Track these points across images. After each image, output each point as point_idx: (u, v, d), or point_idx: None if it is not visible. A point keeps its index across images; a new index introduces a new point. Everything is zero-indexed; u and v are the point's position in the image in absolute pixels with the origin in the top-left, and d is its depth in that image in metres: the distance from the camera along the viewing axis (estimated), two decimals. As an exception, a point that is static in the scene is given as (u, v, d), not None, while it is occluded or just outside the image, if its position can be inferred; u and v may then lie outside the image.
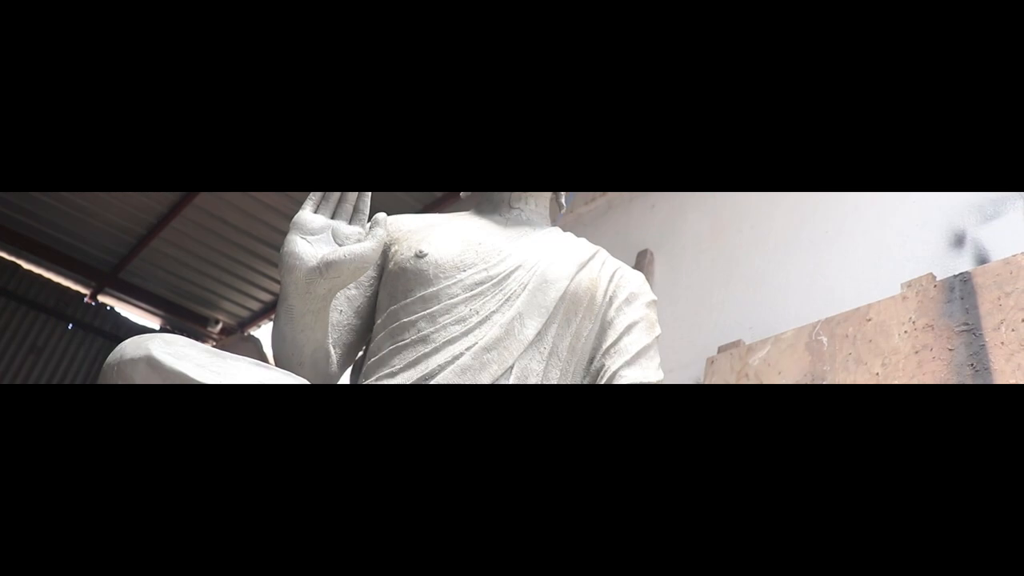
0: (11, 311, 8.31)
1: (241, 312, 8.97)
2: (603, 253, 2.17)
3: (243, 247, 7.82)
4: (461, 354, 1.82)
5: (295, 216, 1.75)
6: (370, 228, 1.75)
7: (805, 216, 3.87)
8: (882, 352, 3.02)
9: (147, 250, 7.98)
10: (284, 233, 7.51)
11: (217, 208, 7.31)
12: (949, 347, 2.83)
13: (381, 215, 1.76)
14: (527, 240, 2.08)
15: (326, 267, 1.66)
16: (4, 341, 8.21)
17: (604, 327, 2.02)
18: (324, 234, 1.72)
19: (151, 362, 1.37)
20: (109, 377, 1.40)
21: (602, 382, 1.94)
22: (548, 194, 2.24)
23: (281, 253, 1.71)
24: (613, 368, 1.93)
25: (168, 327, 9.26)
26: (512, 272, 1.96)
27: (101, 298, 8.85)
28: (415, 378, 1.79)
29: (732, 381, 3.50)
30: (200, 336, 9.39)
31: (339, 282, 1.70)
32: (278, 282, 8.30)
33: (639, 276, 2.18)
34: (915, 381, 2.84)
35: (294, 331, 1.75)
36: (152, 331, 9.13)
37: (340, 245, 1.73)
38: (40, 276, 8.52)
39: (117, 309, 8.99)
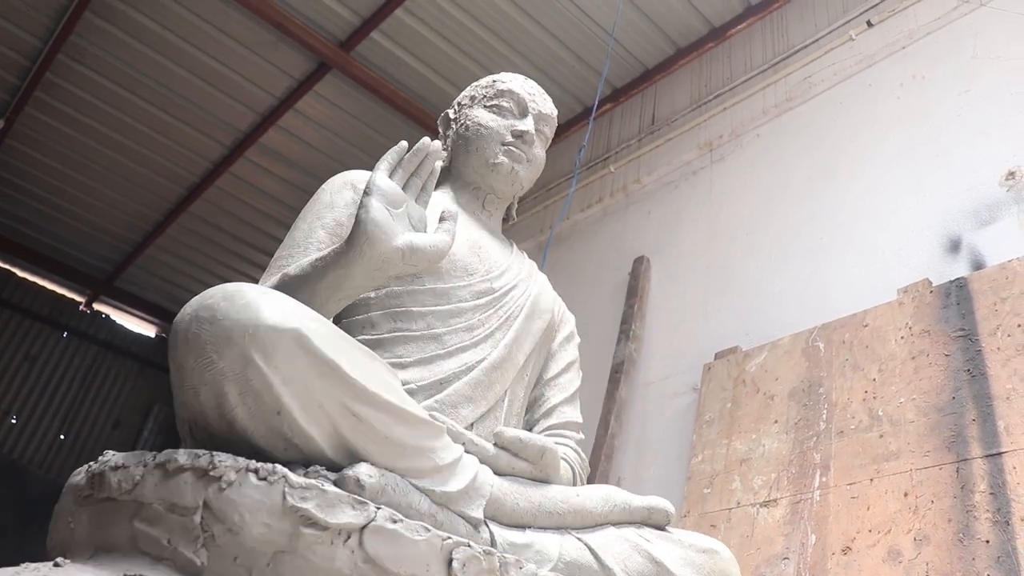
0: (5, 319, 8.28)
1: (237, 320, 8.95)
2: (543, 277, 2.19)
3: (239, 255, 7.80)
4: (473, 366, 1.79)
5: (374, 176, 1.55)
6: (445, 220, 1.61)
7: (801, 222, 3.87)
8: (879, 358, 3.02)
9: (143, 258, 7.97)
10: (280, 242, 7.49)
11: (213, 216, 7.30)
12: (946, 352, 2.83)
13: (454, 208, 1.63)
14: (510, 255, 2.08)
15: (411, 252, 1.52)
16: (-2, 349, 8.19)
17: (548, 357, 2.07)
18: (402, 209, 1.56)
19: (302, 342, 1.21)
20: (236, 338, 1.18)
21: (541, 412, 1.98)
22: (507, 201, 2.19)
23: (362, 218, 1.50)
24: (554, 402, 2.00)
25: (164, 335, 9.23)
26: (510, 291, 1.96)
27: (96, 306, 8.82)
28: (430, 379, 1.74)
29: (729, 388, 3.50)
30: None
31: (413, 270, 1.58)
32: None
33: (571, 314, 2.25)
34: (911, 387, 2.84)
35: (329, 300, 1.58)
36: (147, 339, 9.11)
37: (413, 228, 1.58)
38: (35, 284, 8.49)
39: (112, 317, 8.97)
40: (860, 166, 3.77)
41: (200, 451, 1.16)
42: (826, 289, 3.55)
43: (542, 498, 1.56)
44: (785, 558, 2.80)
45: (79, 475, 1.27)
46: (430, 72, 5.63)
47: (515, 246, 2.18)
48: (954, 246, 3.20)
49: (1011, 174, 3.15)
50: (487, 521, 1.44)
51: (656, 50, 5.29)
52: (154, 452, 1.19)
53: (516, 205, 2.25)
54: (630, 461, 3.96)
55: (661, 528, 1.64)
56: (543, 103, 2.15)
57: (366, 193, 1.52)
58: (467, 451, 1.51)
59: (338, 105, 6.01)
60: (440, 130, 2.22)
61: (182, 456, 1.15)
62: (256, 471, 1.14)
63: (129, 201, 7.28)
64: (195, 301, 1.25)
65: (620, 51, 5.26)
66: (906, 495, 2.63)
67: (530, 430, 1.95)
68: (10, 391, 8.15)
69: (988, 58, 3.52)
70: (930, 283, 3.06)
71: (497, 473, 1.55)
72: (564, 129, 5.75)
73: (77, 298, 8.75)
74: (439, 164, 1.67)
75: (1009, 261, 2.87)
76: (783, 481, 3.02)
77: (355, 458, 1.27)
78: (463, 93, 2.21)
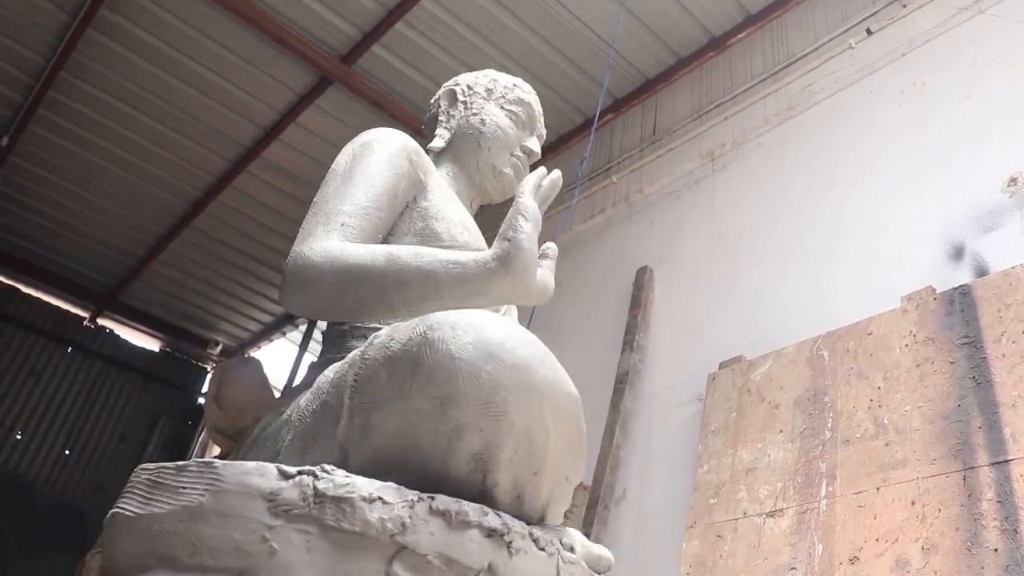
0: (10, 335, 8.29)
1: (241, 333, 8.96)
2: None
3: (243, 268, 7.82)
4: None
5: (527, 201, 1.48)
6: (546, 259, 1.57)
7: (803, 230, 3.87)
8: (883, 366, 3.01)
9: (147, 272, 7.98)
10: (284, 255, 7.53)
11: (217, 230, 7.32)
12: (950, 360, 2.83)
13: (552, 246, 1.59)
14: None
15: (542, 289, 1.51)
16: (3, 365, 8.19)
17: None
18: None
19: (579, 410, 1.18)
20: (536, 396, 1.12)
21: None
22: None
23: (523, 246, 1.43)
24: None
25: (168, 349, 9.24)
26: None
27: (100, 321, 8.83)
28: None
29: (734, 397, 3.50)
30: (201, 357, 9.37)
31: (529, 304, 1.54)
32: (278, 304, 8.31)
33: None
34: (917, 395, 2.83)
35: (444, 309, 1.44)
36: (152, 354, 9.12)
37: None
38: (39, 300, 8.51)
39: (116, 332, 8.98)
40: (862, 173, 3.77)
41: (485, 507, 1.09)
42: (829, 297, 3.55)
43: None
44: (792, 568, 2.78)
45: (270, 477, 1.07)
46: (432, 84, 5.65)
47: None
48: (957, 253, 3.20)
49: (1013, 180, 3.15)
50: None
51: (656, 60, 5.30)
52: (416, 492, 1.08)
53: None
54: (636, 472, 3.95)
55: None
56: (542, 126, 2.15)
57: (523, 217, 1.44)
58: None
59: (340, 118, 6.02)
60: (441, 103, 2.13)
61: (472, 511, 1.06)
62: (537, 540, 1.09)
63: (133, 216, 7.31)
64: (469, 325, 1.14)
65: (621, 62, 5.28)
66: (913, 504, 2.62)
67: None
68: (15, 407, 8.16)
69: (988, 64, 3.53)
70: (933, 290, 3.06)
71: None
72: (566, 140, 5.76)
73: (81, 313, 8.77)
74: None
75: (1013, 267, 2.86)
76: (789, 491, 3.01)
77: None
78: (474, 78, 2.13)
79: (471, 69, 5.49)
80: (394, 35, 5.30)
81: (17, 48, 5.69)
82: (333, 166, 1.74)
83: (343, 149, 1.79)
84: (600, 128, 5.44)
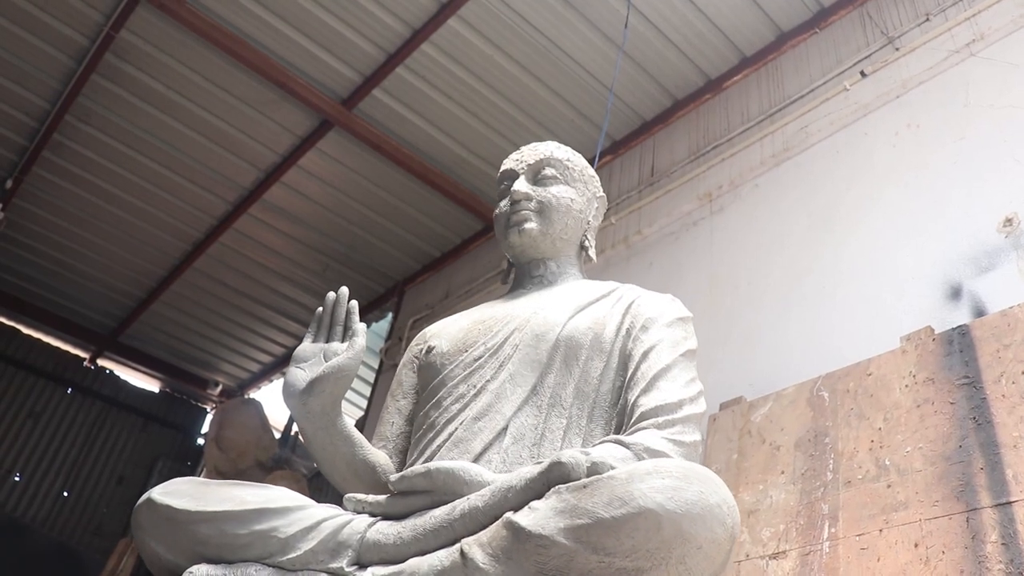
0: (10, 376, 8.28)
1: (241, 374, 8.95)
2: (622, 290, 2.16)
3: (243, 309, 7.83)
4: (455, 429, 1.84)
5: (295, 350, 1.84)
6: (350, 340, 1.79)
7: (802, 271, 3.89)
8: (884, 406, 3.01)
9: (147, 313, 7.99)
10: (284, 296, 7.57)
11: (217, 271, 7.34)
12: (950, 400, 2.83)
13: (360, 326, 1.80)
14: (533, 300, 2.09)
15: (311, 386, 1.73)
16: (2, 406, 8.16)
17: (624, 361, 1.91)
18: (316, 358, 1.79)
19: None
20: None
21: (629, 418, 1.78)
22: (570, 250, 2.33)
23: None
24: (631, 400, 1.81)
25: (168, 390, 9.22)
26: (508, 337, 1.98)
27: (101, 362, 8.82)
28: (419, 462, 1.79)
29: (735, 439, 3.49)
30: (200, 398, 9.34)
31: (327, 396, 1.75)
32: (278, 344, 8.33)
33: (661, 300, 2.10)
34: (917, 435, 2.83)
35: (316, 452, 1.84)
36: (151, 394, 9.11)
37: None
38: (39, 340, 8.51)
39: (116, 373, 8.96)
40: (859, 214, 3.80)
41: None
42: (829, 338, 3.56)
43: (428, 518, 1.47)
44: (796, 612, 2.76)
45: None
46: (432, 128, 5.71)
47: (561, 285, 2.31)
48: (955, 293, 3.22)
49: (1008, 220, 3.18)
50: (365, 568, 1.44)
51: (654, 102, 5.36)
52: None
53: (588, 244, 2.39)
54: (637, 513, 3.92)
55: None
56: (531, 153, 2.24)
57: None
58: (358, 511, 1.58)
59: (340, 161, 6.08)
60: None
61: None
62: None
63: (134, 258, 7.34)
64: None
65: (618, 104, 5.34)
66: (916, 546, 2.61)
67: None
68: (14, 448, 8.12)
69: (981, 106, 3.57)
70: (932, 331, 3.07)
71: (398, 517, 1.52)
72: (565, 181, 5.80)
73: (82, 354, 8.76)
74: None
75: (1010, 307, 2.88)
76: (792, 532, 2.99)
77: None
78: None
79: (472, 113, 5.55)
80: (395, 79, 5.37)
81: (23, 93, 5.76)
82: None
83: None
84: (598, 170, 5.49)
